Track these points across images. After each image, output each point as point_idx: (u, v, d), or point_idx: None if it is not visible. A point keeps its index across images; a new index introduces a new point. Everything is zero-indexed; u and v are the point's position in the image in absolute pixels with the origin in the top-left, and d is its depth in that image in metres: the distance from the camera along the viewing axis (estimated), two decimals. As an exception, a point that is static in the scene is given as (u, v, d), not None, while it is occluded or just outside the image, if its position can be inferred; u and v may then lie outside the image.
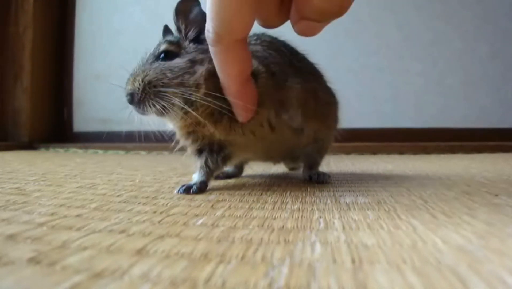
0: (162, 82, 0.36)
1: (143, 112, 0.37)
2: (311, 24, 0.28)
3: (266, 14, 0.30)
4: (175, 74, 0.37)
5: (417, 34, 1.34)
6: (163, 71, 0.37)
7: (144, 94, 0.37)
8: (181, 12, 0.39)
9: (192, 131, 0.40)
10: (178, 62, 0.37)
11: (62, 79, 1.53)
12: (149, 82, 0.37)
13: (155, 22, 1.52)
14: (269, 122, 0.40)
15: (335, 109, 0.50)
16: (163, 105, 0.36)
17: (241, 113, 0.37)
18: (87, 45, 1.53)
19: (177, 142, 0.43)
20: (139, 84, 0.37)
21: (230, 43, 0.31)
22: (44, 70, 1.45)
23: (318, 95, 0.45)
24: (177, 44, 0.39)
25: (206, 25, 0.30)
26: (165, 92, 0.36)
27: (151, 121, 0.39)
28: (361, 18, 1.36)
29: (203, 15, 0.38)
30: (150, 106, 0.36)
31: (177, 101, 0.36)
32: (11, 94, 1.39)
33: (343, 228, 0.24)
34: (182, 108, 0.37)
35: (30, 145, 1.34)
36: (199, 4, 0.38)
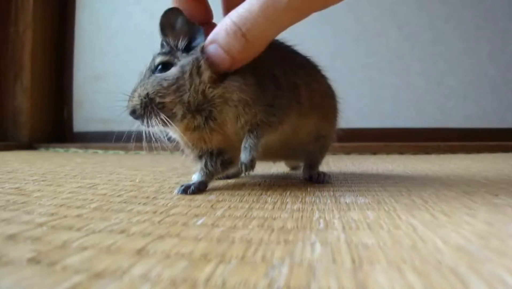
0: (160, 93, 0.37)
1: (148, 126, 0.38)
2: None
3: None
4: (171, 82, 0.37)
5: (417, 34, 1.34)
6: (160, 82, 0.37)
7: (145, 109, 0.37)
8: (166, 25, 0.39)
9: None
10: (172, 70, 0.38)
11: (62, 79, 1.53)
12: (147, 95, 0.37)
13: (155, 22, 1.51)
14: None
15: (334, 102, 0.50)
16: (165, 116, 0.36)
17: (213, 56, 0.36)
18: (87, 45, 1.53)
19: (182, 151, 0.43)
20: (138, 100, 0.37)
21: None
22: (44, 70, 1.45)
23: (312, 88, 0.44)
24: (170, 54, 0.39)
25: None
26: (163, 102, 0.36)
27: (157, 133, 0.39)
28: (361, 18, 1.36)
29: (188, 24, 0.38)
30: (152, 118, 0.37)
31: (177, 108, 0.37)
32: (11, 94, 1.39)
33: (343, 228, 0.24)
34: (183, 116, 0.37)
35: (30, 145, 1.34)
36: (182, 13, 0.38)
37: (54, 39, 1.51)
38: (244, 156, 0.37)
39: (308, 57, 0.48)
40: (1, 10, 1.38)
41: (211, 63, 0.36)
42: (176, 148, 0.43)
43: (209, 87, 0.37)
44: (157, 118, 0.37)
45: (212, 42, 0.36)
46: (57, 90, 1.52)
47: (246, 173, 0.38)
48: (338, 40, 1.35)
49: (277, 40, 0.45)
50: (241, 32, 0.34)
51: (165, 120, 0.37)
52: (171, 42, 0.39)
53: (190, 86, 0.37)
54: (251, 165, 0.37)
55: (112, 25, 1.50)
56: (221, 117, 0.38)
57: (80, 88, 1.53)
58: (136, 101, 0.38)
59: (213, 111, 0.38)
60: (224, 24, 0.35)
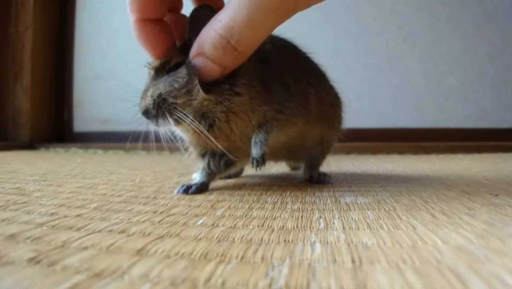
0: (172, 94, 0.36)
1: (160, 125, 0.37)
2: None
3: None
4: (182, 84, 0.36)
5: (417, 34, 1.34)
6: (171, 83, 0.36)
7: (158, 109, 0.36)
8: (196, 20, 0.36)
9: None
10: (182, 71, 0.37)
11: (62, 79, 1.53)
12: (159, 95, 0.36)
13: (155, 22, 1.51)
14: None
15: (340, 111, 0.50)
16: (178, 117, 0.36)
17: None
18: (87, 45, 1.53)
19: (187, 149, 0.43)
20: (151, 100, 0.37)
21: None
22: (44, 70, 1.45)
23: (321, 98, 0.45)
24: (184, 52, 0.37)
25: None
26: (175, 103, 0.36)
27: (165, 131, 0.39)
28: (361, 18, 1.36)
29: None
30: (165, 119, 0.36)
31: (187, 111, 0.36)
32: (11, 94, 1.39)
33: (343, 228, 0.24)
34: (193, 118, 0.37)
35: (30, 145, 1.34)
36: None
37: (54, 39, 1.51)
38: (255, 151, 0.37)
39: (319, 65, 0.48)
40: (1, 10, 1.38)
41: (200, 73, 0.35)
42: (177, 147, 0.43)
43: (210, 106, 0.37)
44: (170, 118, 0.36)
45: (199, 54, 0.34)
46: (57, 90, 1.52)
47: (258, 169, 0.37)
48: (339, 40, 1.35)
49: (294, 46, 0.46)
50: (231, 45, 0.32)
51: (178, 120, 0.36)
52: (192, 40, 0.37)
53: (197, 96, 0.36)
54: (262, 160, 0.37)
55: (112, 25, 1.50)
56: (227, 127, 0.38)
57: (80, 88, 1.53)
58: (149, 101, 0.37)
59: (216, 121, 0.37)
60: (209, 37, 0.33)
